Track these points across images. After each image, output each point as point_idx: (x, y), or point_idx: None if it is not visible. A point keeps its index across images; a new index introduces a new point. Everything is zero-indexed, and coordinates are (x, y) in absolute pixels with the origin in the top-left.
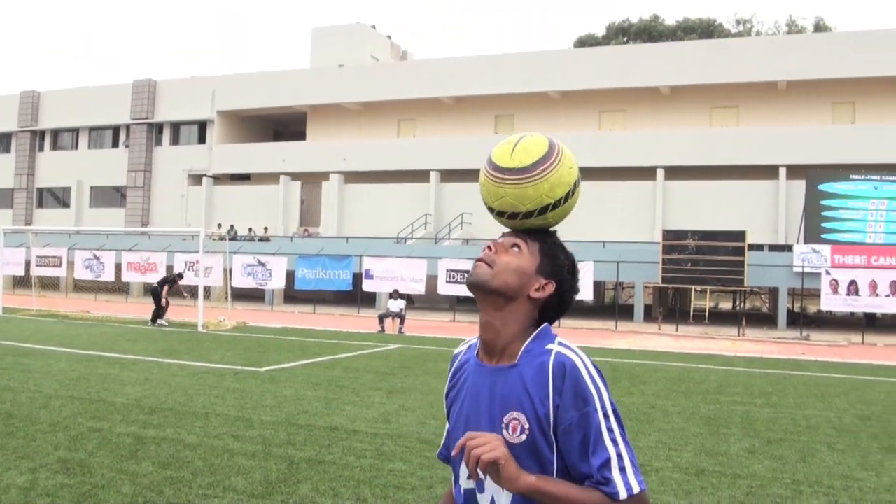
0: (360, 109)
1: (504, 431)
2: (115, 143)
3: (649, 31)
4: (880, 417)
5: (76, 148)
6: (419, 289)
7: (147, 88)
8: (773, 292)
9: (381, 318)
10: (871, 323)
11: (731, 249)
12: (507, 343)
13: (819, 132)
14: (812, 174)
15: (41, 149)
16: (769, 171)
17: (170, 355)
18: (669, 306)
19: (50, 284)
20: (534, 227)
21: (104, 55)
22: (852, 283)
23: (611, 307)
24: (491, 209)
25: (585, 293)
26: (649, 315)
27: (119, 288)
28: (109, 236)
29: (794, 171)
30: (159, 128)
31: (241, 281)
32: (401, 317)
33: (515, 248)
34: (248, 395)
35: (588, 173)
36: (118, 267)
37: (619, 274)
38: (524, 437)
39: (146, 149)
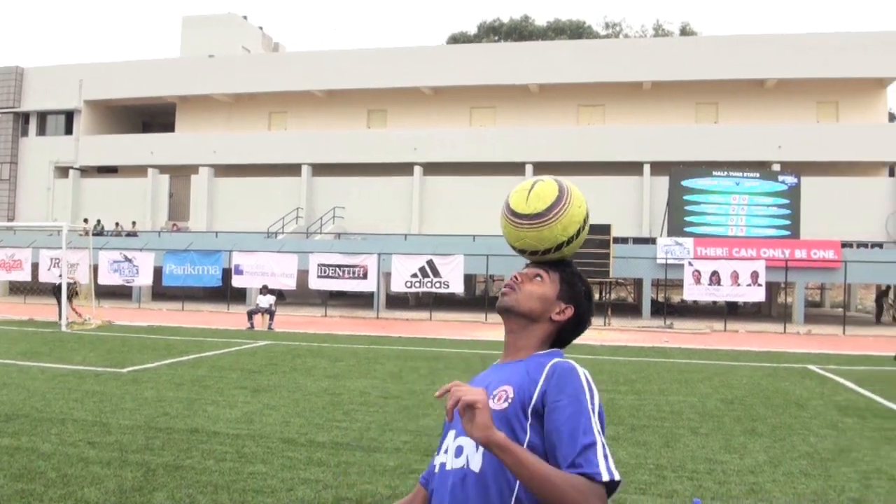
0: (230, 101)
1: (491, 400)
2: None
3: (520, 31)
4: (743, 401)
5: None
6: (290, 284)
7: (14, 76)
8: (638, 283)
9: (251, 315)
10: (732, 311)
11: (597, 242)
12: (522, 354)
13: (683, 131)
14: (675, 171)
15: None
16: (634, 168)
17: (30, 357)
18: None
19: None
20: (560, 257)
21: None
22: (714, 273)
23: (481, 300)
24: (513, 247)
25: (456, 286)
26: None
27: None
28: None
29: (659, 167)
30: (26, 117)
31: (107, 277)
32: (270, 312)
33: (538, 278)
34: (107, 397)
35: (459, 169)
36: None
37: (489, 267)
38: (506, 405)
39: (12, 139)
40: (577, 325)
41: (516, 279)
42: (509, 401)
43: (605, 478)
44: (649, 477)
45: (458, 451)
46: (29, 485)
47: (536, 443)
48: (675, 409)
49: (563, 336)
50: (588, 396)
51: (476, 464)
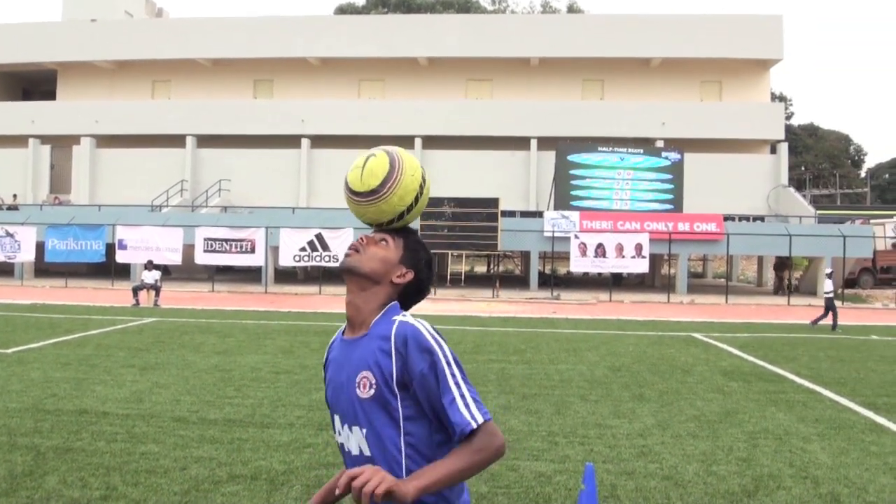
0: (113, 68)
1: (357, 390)
2: None
3: (408, 4)
4: (630, 368)
5: None
6: (175, 259)
7: None
8: (526, 256)
9: (136, 291)
10: (617, 282)
11: (485, 216)
12: (365, 318)
13: (569, 107)
14: (561, 146)
15: None
16: (521, 142)
17: None
18: None
19: None
20: (402, 225)
21: None
22: (600, 245)
23: None
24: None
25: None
26: None
27: None
28: None
29: (545, 142)
30: None
31: None
32: (156, 288)
33: (384, 242)
34: None
35: (347, 141)
36: None
37: None
38: (372, 391)
39: None
40: (418, 290)
41: (361, 241)
42: (374, 387)
43: (476, 424)
44: (542, 444)
45: (348, 437)
46: None
47: (412, 413)
48: (564, 377)
49: (403, 301)
50: (439, 351)
51: (367, 448)
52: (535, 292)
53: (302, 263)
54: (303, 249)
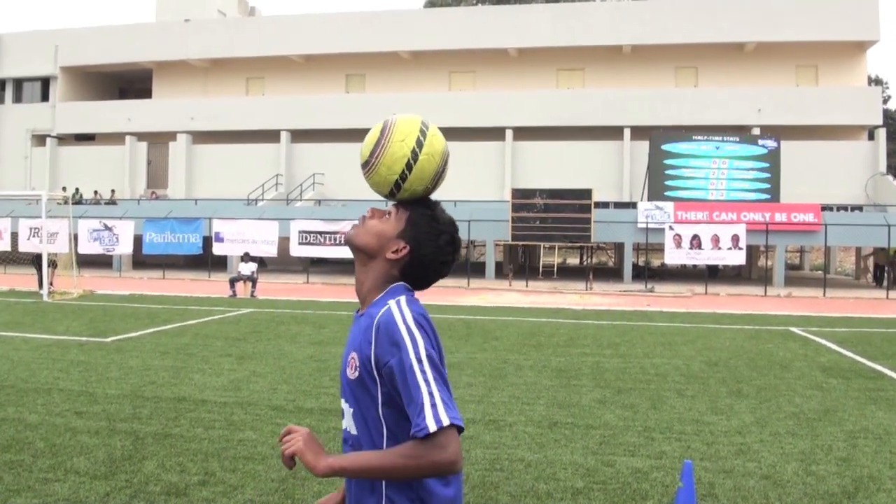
0: (207, 66)
1: (347, 369)
2: None
3: None
4: (727, 363)
5: None
6: (271, 251)
7: None
8: (619, 247)
9: (233, 282)
10: (713, 274)
11: (577, 207)
12: (366, 295)
13: (663, 95)
14: (655, 135)
15: None
16: (614, 132)
17: (13, 328)
18: (519, 263)
19: None
20: (411, 196)
21: None
22: (695, 237)
23: (462, 265)
24: None
25: None
26: (500, 272)
27: None
28: None
29: (639, 132)
30: (2, 84)
31: (87, 247)
32: (252, 280)
33: (388, 216)
34: (92, 367)
35: None
36: None
37: (470, 232)
38: (357, 373)
39: None
40: (422, 268)
41: (368, 214)
42: (358, 369)
43: (433, 428)
44: (638, 439)
45: (343, 414)
46: (17, 455)
47: (388, 400)
48: (660, 371)
49: (408, 279)
50: (410, 346)
51: (353, 427)
52: (629, 285)
53: None
54: None
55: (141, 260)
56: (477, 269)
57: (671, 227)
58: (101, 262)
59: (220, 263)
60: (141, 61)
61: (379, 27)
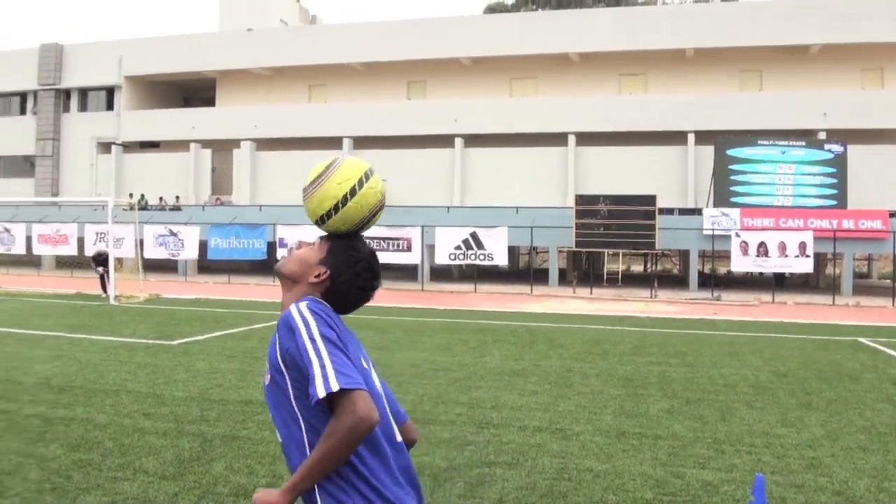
0: (270, 75)
1: (264, 381)
2: (23, 111)
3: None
4: (796, 374)
5: None
6: None
7: (54, 53)
8: (684, 254)
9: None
10: (780, 282)
11: (642, 213)
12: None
13: (727, 99)
14: (720, 140)
15: None
16: (678, 137)
17: (81, 330)
18: (583, 270)
19: None
20: (332, 231)
21: (8, 18)
22: (762, 244)
23: (525, 272)
24: None
25: (500, 258)
26: (563, 279)
27: (30, 261)
28: (19, 207)
29: (703, 136)
30: (67, 94)
31: (152, 252)
32: None
33: (312, 245)
34: (159, 369)
35: (500, 140)
36: (28, 239)
37: (532, 239)
38: (269, 377)
39: (54, 116)
40: (342, 293)
41: (296, 245)
42: (269, 372)
43: (321, 394)
44: (708, 451)
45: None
46: (87, 454)
47: (298, 393)
48: (728, 381)
49: (334, 302)
50: (303, 328)
51: (278, 435)
52: (695, 293)
53: (457, 262)
54: (458, 248)
55: (206, 265)
56: (540, 276)
57: (737, 234)
58: (166, 266)
59: None
60: (204, 70)
61: (439, 34)
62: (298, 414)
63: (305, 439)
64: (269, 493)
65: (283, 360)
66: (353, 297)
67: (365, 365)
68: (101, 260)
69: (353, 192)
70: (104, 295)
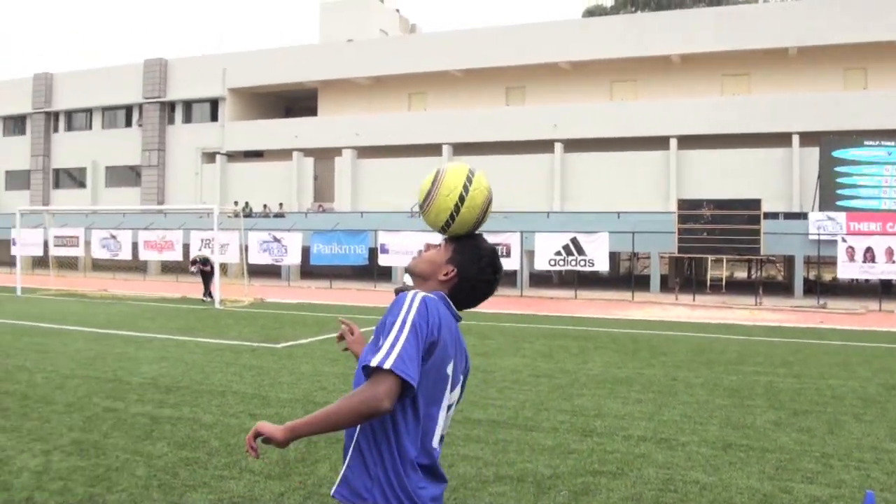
0: (370, 84)
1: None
2: (129, 123)
3: (658, 1)
4: None
5: (90, 128)
6: None
7: (158, 67)
8: (789, 260)
9: (398, 292)
10: (887, 290)
11: (746, 218)
12: None
13: (831, 99)
14: (826, 141)
15: (56, 130)
16: (782, 139)
17: (187, 332)
18: (685, 276)
19: (68, 264)
20: (454, 235)
21: (114, 35)
22: (868, 250)
23: (626, 278)
24: None
25: (600, 264)
26: (665, 285)
27: (136, 266)
28: (126, 215)
29: (808, 138)
30: (171, 106)
31: (257, 257)
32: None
33: (438, 247)
34: (265, 371)
35: (600, 144)
36: (135, 246)
37: (634, 244)
38: (372, 338)
39: (159, 128)
40: (468, 288)
41: (425, 248)
42: (374, 337)
43: (373, 364)
44: (815, 465)
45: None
46: (193, 453)
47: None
48: (836, 393)
49: (455, 299)
50: (404, 310)
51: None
52: (800, 300)
53: (557, 267)
54: (558, 253)
55: (308, 270)
56: (641, 283)
57: (843, 239)
58: (270, 271)
59: (386, 274)
60: (306, 81)
61: (538, 39)
62: None
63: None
64: (271, 427)
65: (380, 327)
66: (480, 290)
67: (449, 371)
68: (202, 263)
69: (461, 199)
70: (207, 299)
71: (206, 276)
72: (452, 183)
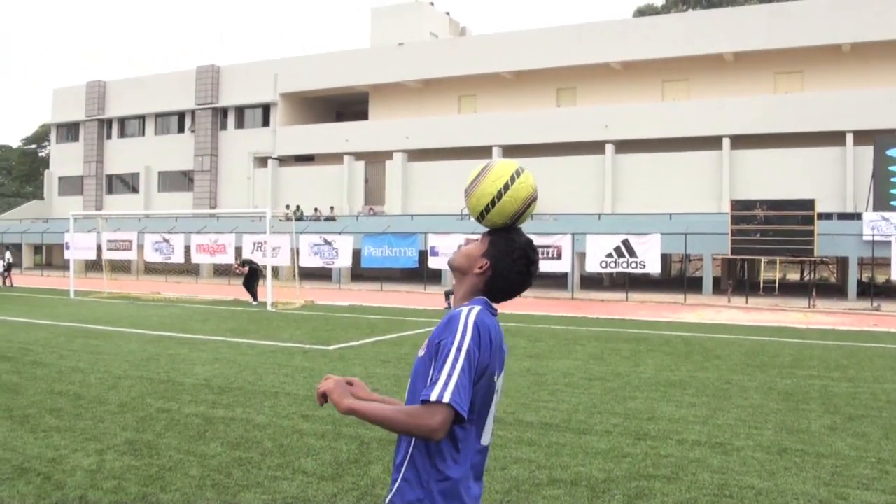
0: (420, 87)
1: (420, 350)
2: (181, 129)
3: None
4: None
5: (143, 135)
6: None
7: (210, 74)
8: (842, 262)
9: (448, 295)
10: None
11: (800, 219)
12: (458, 302)
13: (885, 96)
14: (880, 139)
15: (109, 136)
16: (836, 138)
17: (239, 335)
18: (738, 278)
19: (121, 267)
20: (492, 226)
21: (166, 42)
22: None
23: (678, 280)
24: None
25: (652, 266)
26: (717, 287)
27: (189, 269)
28: (178, 219)
29: (862, 136)
30: (224, 112)
31: (308, 260)
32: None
33: (476, 241)
34: (317, 373)
35: (652, 145)
36: (187, 249)
37: (686, 246)
38: (424, 352)
39: (211, 133)
40: (503, 280)
41: (465, 242)
42: (426, 348)
43: (433, 399)
44: (871, 471)
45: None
46: (246, 453)
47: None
48: (891, 398)
49: (492, 292)
50: (459, 336)
51: (406, 397)
52: (854, 302)
53: (609, 269)
54: (609, 255)
55: (359, 273)
56: (693, 285)
57: None
58: (321, 274)
59: (435, 276)
60: (357, 85)
61: (588, 39)
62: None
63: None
64: (339, 395)
65: (436, 348)
66: (514, 282)
67: (496, 380)
68: (247, 265)
69: (506, 187)
70: (254, 303)
71: (248, 280)
72: (501, 171)
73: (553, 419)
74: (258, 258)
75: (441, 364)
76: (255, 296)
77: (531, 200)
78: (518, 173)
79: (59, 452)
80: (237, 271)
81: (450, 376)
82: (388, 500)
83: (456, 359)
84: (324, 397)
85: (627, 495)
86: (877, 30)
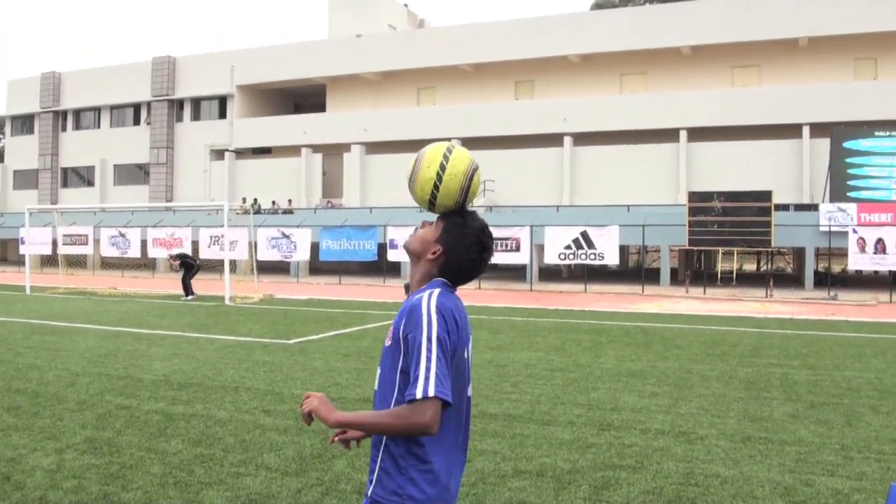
0: (379, 79)
1: (386, 339)
2: (137, 121)
3: None
4: None
5: (98, 127)
6: None
7: (166, 65)
8: (799, 252)
9: (407, 288)
10: None
11: (757, 210)
12: (413, 286)
13: (841, 89)
14: (836, 132)
15: (64, 129)
16: (793, 130)
17: (198, 329)
18: (695, 269)
19: (77, 262)
20: (445, 210)
21: (121, 33)
22: (879, 241)
23: (636, 271)
24: None
25: (610, 257)
26: (674, 278)
27: (145, 264)
28: (134, 213)
29: (818, 129)
30: (180, 104)
31: (266, 254)
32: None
33: (430, 225)
34: (277, 367)
35: (610, 137)
36: (143, 243)
37: (644, 237)
38: (390, 342)
39: (167, 125)
40: (455, 266)
41: (421, 225)
42: (391, 338)
43: (418, 396)
44: (835, 458)
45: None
46: (208, 450)
47: (406, 367)
48: (851, 385)
49: (447, 276)
50: (425, 326)
51: (376, 384)
52: (811, 292)
53: (567, 261)
54: (568, 247)
55: (317, 266)
56: (651, 276)
57: (854, 231)
58: (279, 268)
59: (394, 269)
60: (315, 77)
61: (547, 32)
62: (397, 382)
63: (394, 402)
64: (325, 411)
65: (404, 340)
66: (466, 268)
67: (466, 355)
68: (182, 259)
69: (442, 167)
70: (187, 297)
71: (184, 275)
72: (433, 155)
73: (516, 410)
74: (215, 252)
75: (417, 360)
76: (188, 290)
77: (472, 171)
78: (450, 150)
79: (17, 452)
80: (172, 267)
81: (428, 369)
82: (369, 492)
83: (429, 350)
84: (310, 416)
85: (593, 486)
86: (833, 24)
